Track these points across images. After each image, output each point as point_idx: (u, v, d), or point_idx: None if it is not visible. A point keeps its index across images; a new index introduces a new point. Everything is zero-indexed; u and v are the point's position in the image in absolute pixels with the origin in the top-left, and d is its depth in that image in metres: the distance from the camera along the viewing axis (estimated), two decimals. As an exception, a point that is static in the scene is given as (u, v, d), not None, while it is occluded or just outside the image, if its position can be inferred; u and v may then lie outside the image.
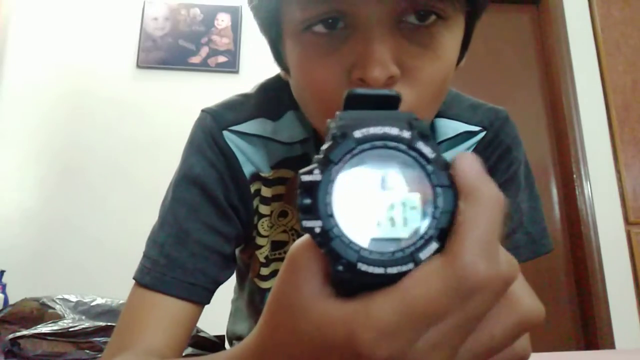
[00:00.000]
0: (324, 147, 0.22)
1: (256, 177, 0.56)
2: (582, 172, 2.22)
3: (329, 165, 0.22)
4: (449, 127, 0.58)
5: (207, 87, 2.24)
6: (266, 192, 0.56)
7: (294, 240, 0.58)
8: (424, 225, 0.21)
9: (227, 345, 0.82)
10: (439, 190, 0.22)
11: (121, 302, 1.10)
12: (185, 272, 0.51)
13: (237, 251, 0.63)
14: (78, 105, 2.21)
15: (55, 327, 0.91)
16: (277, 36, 0.47)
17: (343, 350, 0.21)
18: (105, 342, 0.89)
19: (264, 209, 0.57)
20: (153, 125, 2.19)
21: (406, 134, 0.22)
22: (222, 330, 0.83)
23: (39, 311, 1.02)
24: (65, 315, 1.00)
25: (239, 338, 0.75)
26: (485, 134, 0.60)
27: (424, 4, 0.40)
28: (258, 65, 2.28)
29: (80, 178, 2.13)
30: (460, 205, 0.21)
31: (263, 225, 0.58)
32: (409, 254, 0.21)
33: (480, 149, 0.59)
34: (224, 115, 0.56)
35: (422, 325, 0.20)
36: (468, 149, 0.59)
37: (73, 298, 1.10)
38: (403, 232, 0.21)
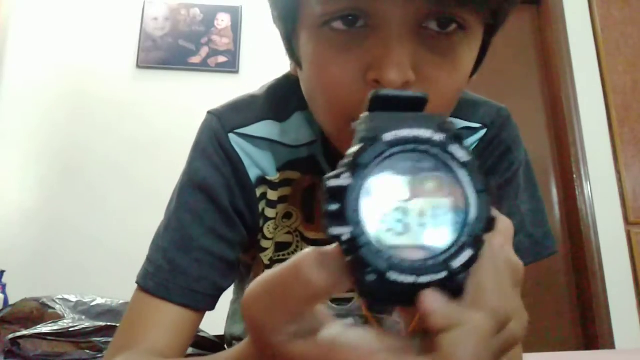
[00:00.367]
0: (352, 150, 0.21)
1: (262, 180, 0.55)
2: (582, 172, 2.22)
3: (358, 169, 0.21)
4: None
5: (207, 87, 2.24)
6: (272, 195, 0.56)
7: (297, 242, 0.58)
8: (456, 232, 0.21)
9: (225, 347, 0.82)
10: (472, 195, 0.21)
11: (121, 302, 1.10)
12: (188, 278, 0.51)
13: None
14: (78, 105, 2.21)
15: (55, 327, 0.91)
16: (292, 29, 0.46)
17: None
18: (105, 342, 0.89)
19: (270, 212, 0.56)
20: (153, 125, 2.19)
21: (438, 137, 0.21)
22: (222, 331, 0.83)
23: (39, 311, 1.02)
24: (65, 315, 1.00)
25: (238, 339, 0.75)
26: (486, 132, 0.59)
27: (448, 11, 0.39)
28: (258, 65, 2.28)
29: (80, 178, 2.13)
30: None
31: (269, 228, 0.57)
32: (442, 262, 0.20)
33: (480, 148, 0.58)
34: (231, 118, 0.55)
35: None
36: (469, 146, 0.58)
37: (73, 298, 1.09)
38: (434, 240, 0.20)
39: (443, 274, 0.20)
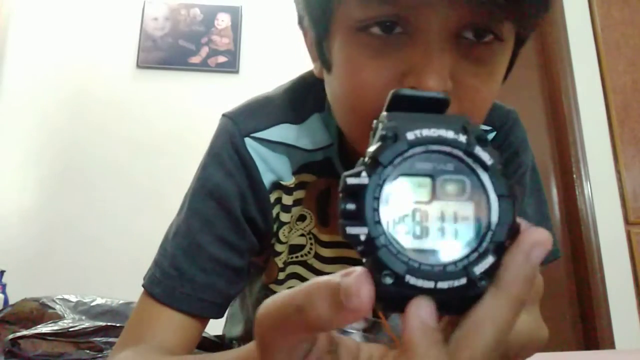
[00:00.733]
0: (372, 148, 0.20)
1: (277, 185, 0.55)
2: (582, 172, 2.22)
3: (377, 168, 0.20)
4: None
5: (207, 87, 2.24)
6: (287, 200, 0.55)
7: (311, 244, 0.58)
8: (478, 237, 0.20)
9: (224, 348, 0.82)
10: (495, 200, 0.20)
11: (121, 302, 1.10)
12: (195, 286, 0.51)
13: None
14: (78, 105, 2.21)
15: (55, 327, 0.91)
16: (324, 32, 0.46)
17: None
18: (105, 342, 0.89)
19: (284, 217, 0.56)
20: (153, 125, 2.19)
21: (462, 138, 0.20)
22: (221, 331, 0.83)
23: (39, 311, 1.02)
24: (65, 315, 1.00)
25: (237, 340, 0.75)
26: (496, 135, 0.59)
27: (486, 22, 0.39)
28: (258, 65, 2.29)
29: (80, 177, 2.13)
30: None
31: (284, 232, 0.57)
32: (462, 268, 0.19)
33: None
34: (247, 121, 0.54)
35: None
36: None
37: (73, 298, 1.09)
38: (454, 245, 0.20)
39: (463, 281, 0.19)
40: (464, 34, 0.40)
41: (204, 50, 2.29)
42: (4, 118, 2.17)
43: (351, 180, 0.20)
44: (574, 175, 2.23)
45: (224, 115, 0.57)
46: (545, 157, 2.34)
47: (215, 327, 0.86)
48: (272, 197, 0.55)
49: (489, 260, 0.19)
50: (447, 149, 0.20)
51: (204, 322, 0.53)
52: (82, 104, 2.21)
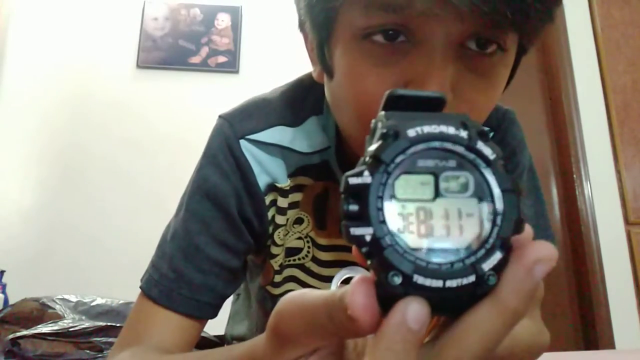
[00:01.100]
0: (373, 147, 0.20)
1: (272, 187, 0.55)
2: (582, 172, 2.22)
3: (380, 166, 0.19)
4: None
5: (207, 87, 2.24)
6: (282, 202, 0.56)
7: (309, 248, 0.58)
8: (484, 233, 0.19)
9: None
10: (499, 194, 0.20)
11: (121, 302, 1.10)
12: (192, 288, 0.51)
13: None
14: (78, 105, 2.21)
15: (55, 327, 0.91)
16: (326, 37, 0.46)
17: None
18: (105, 342, 0.89)
19: (280, 219, 0.56)
20: (153, 125, 2.19)
21: (464, 134, 0.20)
22: (222, 330, 0.83)
23: (39, 311, 1.02)
24: (65, 315, 1.00)
25: (238, 339, 0.75)
26: (493, 135, 0.59)
27: (490, 33, 0.39)
28: (258, 65, 2.29)
29: (80, 177, 2.13)
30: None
31: (279, 235, 0.57)
32: (470, 265, 0.19)
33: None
34: (242, 123, 0.55)
35: None
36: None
37: (73, 298, 1.10)
38: (460, 242, 0.19)
39: (471, 278, 0.19)
40: (467, 44, 0.40)
41: (204, 50, 2.29)
42: (4, 118, 2.17)
43: (353, 180, 0.19)
44: (574, 175, 2.23)
45: (220, 116, 0.57)
46: (545, 157, 2.34)
47: (215, 327, 0.86)
48: (268, 199, 0.55)
49: (497, 256, 0.19)
50: (449, 145, 0.20)
51: (202, 323, 0.53)
52: (82, 104, 2.21)
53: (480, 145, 0.20)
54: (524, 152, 0.61)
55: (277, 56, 2.26)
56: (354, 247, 0.20)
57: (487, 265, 0.19)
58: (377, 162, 0.20)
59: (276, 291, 0.59)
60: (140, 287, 0.53)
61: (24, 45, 2.26)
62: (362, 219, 0.19)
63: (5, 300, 1.76)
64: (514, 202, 0.20)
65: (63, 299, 1.08)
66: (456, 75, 0.40)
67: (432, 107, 0.22)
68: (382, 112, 0.21)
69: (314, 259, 0.58)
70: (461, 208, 0.20)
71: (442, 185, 0.20)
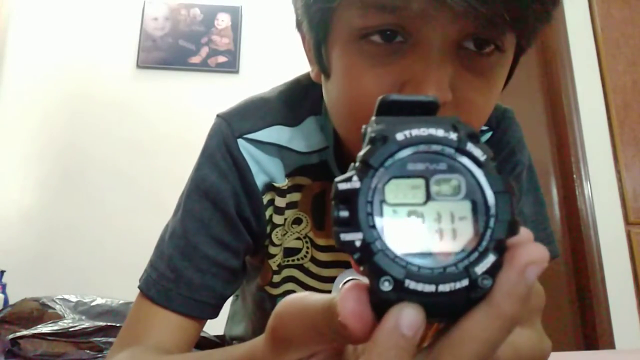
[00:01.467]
0: (362, 152, 0.20)
1: (269, 187, 0.55)
2: (582, 172, 2.22)
3: (368, 171, 0.19)
4: None
5: (207, 87, 2.24)
6: (280, 202, 0.55)
7: (307, 248, 0.58)
8: (477, 236, 0.19)
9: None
10: (492, 196, 0.19)
11: (121, 302, 1.10)
12: (191, 288, 0.51)
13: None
14: (78, 105, 2.21)
15: (55, 327, 0.91)
16: (323, 38, 0.45)
17: None
18: (105, 342, 0.89)
19: (277, 219, 0.56)
20: (153, 125, 2.19)
21: (453, 136, 0.20)
22: (222, 330, 0.83)
23: (39, 311, 1.02)
24: (65, 315, 1.01)
25: (237, 340, 0.75)
26: (492, 135, 0.59)
27: (488, 33, 0.39)
28: (258, 65, 2.29)
29: (80, 177, 2.13)
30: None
31: (277, 235, 0.57)
32: (463, 269, 0.19)
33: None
34: (240, 123, 0.55)
35: None
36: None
37: (73, 298, 1.10)
38: (453, 245, 0.19)
39: (465, 282, 0.18)
40: (464, 44, 0.40)
41: (204, 50, 2.30)
42: (4, 118, 2.17)
43: (342, 186, 0.19)
44: (574, 175, 2.23)
45: (218, 115, 0.57)
46: (545, 157, 2.34)
47: (215, 327, 0.86)
48: (265, 199, 0.55)
49: (490, 259, 0.19)
50: (438, 147, 0.20)
51: (202, 323, 0.53)
52: (82, 104, 2.21)
53: (471, 147, 0.20)
54: (523, 152, 0.60)
55: (277, 56, 2.26)
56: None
57: (480, 269, 0.19)
58: (365, 167, 0.19)
59: (275, 291, 0.59)
60: (139, 287, 0.53)
61: (24, 45, 2.26)
62: (352, 224, 0.19)
63: (5, 300, 1.76)
64: (506, 203, 0.19)
65: (63, 299, 1.08)
66: (455, 75, 0.40)
67: (425, 111, 0.21)
68: (373, 118, 0.21)
69: (313, 260, 0.58)
70: (453, 211, 0.19)
71: (433, 188, 0.20)
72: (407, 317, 0.18)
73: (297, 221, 0.57)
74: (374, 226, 0.19)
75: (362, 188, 0.19)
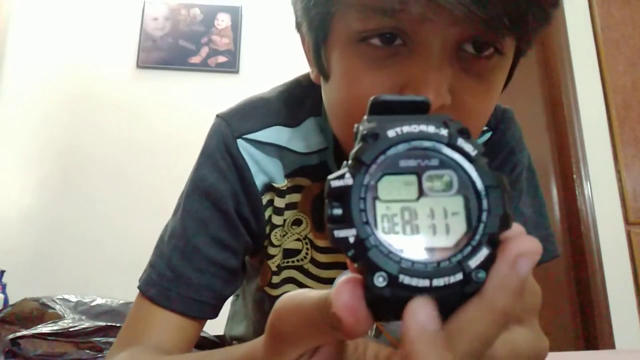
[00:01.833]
0: (354, 149, 0.20)
1: (269, 187, 0.55)
2: (582, 172, 2.22)
3: (361, 168, 0.19)
4: None
5: (207, 87, 2.24)
6: (279, 202, 0.55)
7: (307, 249, 0.58)
8: (470, 231, 0.19)
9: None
10: (484, 191, 0.20)
11: (121, 302, 1.10)
12: (190, 287, 0.51)
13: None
14: (78, 105, 2.21)
15: (55, 327, 0.91)
16: (322, 40, 0.45)
17: None
18: (105, 342, 0.89)
19: (276, 219, 0.56)
20: (153, 125, 2.19)
21: (444, 132, 0.20)
22: (222, 330, 0.83)
23: (39, 311, 1.02)
24: (65, 315, 1.00)
25: (237, 340, 0.75)
26: (491, 135, 0.59)
27: (487, 36, 0.39)
28: (258, 65, 2.29)
29: (80, 178, 2.13)
30: None
31: (276, 235, 0.57)
32: (457, 263, 0.19)
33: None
34: (240, 123, 0.55)
35: None
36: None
37: (73, 298, 1.09)
38: (446, 240, 0.19)
39: (459, 276, 0.19)
40: (464, 47, 0.40)
41: (204, 50, 2.30)
42: (4, 118, 2.17)
43: (335, 183, 0.19)
44: (574, 175, 2.23)
45: (217, 115, 0.57)
46: (545, 157, 2.34)
47: (215, 327, 0.86)
48: (264, 199, 0.55)
49: (484, 252, 0.19)
50: (430, 144, 0.20)
51: (201, 323, 0.53)
52: (82, 104, 2.21)
53: (461, 142, 0.20)
54: (523, 152, 0.60)
55: (277, 56, 2.26)
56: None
57: (473, 263, 0.19)
58: (358, 164, 0.20)
59: (274, 292, 0.59)
60: (139, 287, 0.53)
61: (24, 45, 2.26)
62: (345, 220, 0.19)
63: (5, 300, 1.76)
64: (498, 197, 0.20)
65: (63, 299, 1.07)
66: (454, 78, 0.40)
67: (417, 111, 0.22)
68: (365, 117, 0.21)
69: (313, 261, 0.58)
70: (446, 206, 0.20)
71: (426, 184, 0.20)
72: (425, 312, 0.18)
73: (297, 222, 0.57)
74: (367, 222, 0.19)
75: (354, 185, 0.19)
